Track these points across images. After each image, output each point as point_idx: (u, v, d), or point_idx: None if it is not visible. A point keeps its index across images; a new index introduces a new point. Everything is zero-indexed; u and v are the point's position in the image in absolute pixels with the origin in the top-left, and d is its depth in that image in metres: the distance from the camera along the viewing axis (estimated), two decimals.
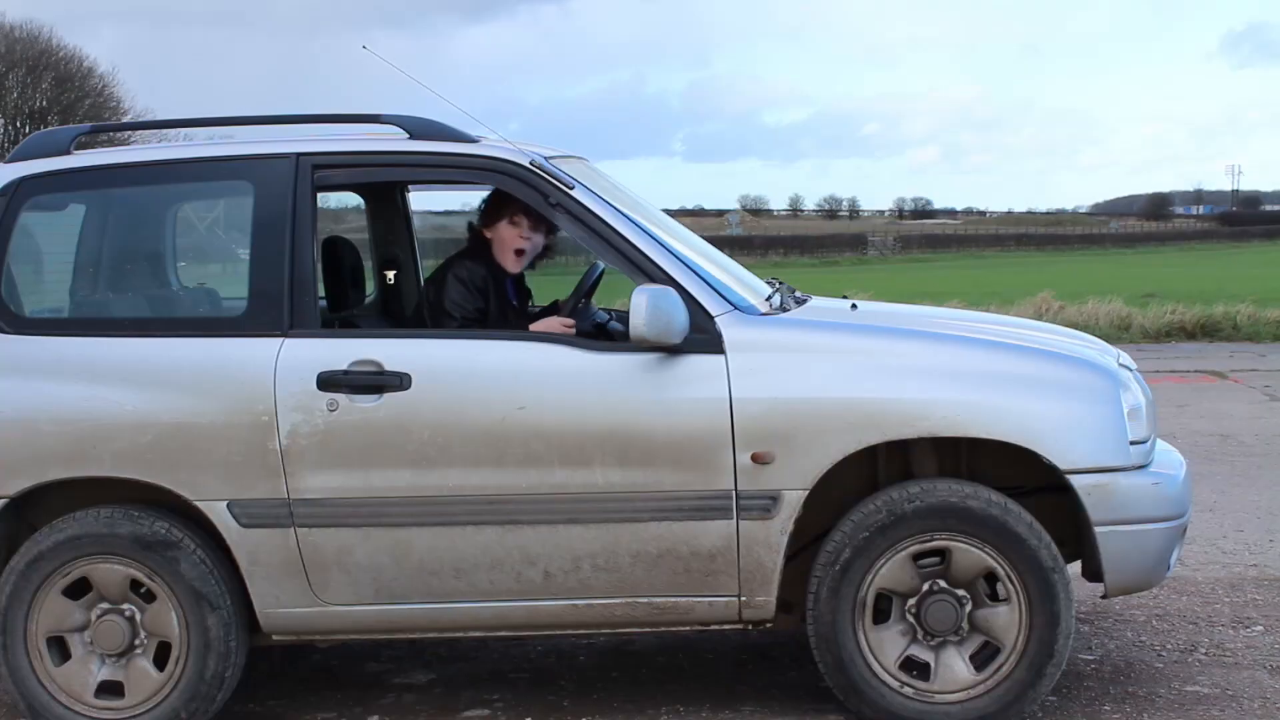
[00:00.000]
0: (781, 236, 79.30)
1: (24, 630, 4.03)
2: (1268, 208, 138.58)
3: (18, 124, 52.20)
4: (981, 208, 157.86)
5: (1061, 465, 3.86)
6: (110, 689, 4.06)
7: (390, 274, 5.08)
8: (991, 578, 3.93)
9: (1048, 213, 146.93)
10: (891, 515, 3.89)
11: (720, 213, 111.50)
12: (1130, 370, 4.25)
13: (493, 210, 4.48)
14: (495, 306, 4.42)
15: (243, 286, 4.11)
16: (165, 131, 6.62)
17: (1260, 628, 4.97)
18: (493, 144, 4.20)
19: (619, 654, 4.92)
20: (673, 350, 3.87)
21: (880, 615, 3.97)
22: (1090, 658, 4.71)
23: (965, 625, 3.94)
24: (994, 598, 3.94)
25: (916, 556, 3.93)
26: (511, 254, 4.51)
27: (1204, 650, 4.73)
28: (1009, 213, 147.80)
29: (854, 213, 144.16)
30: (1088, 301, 19.01)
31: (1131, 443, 3.93)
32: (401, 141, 4.21)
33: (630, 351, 3.90)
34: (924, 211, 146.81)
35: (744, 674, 4.65)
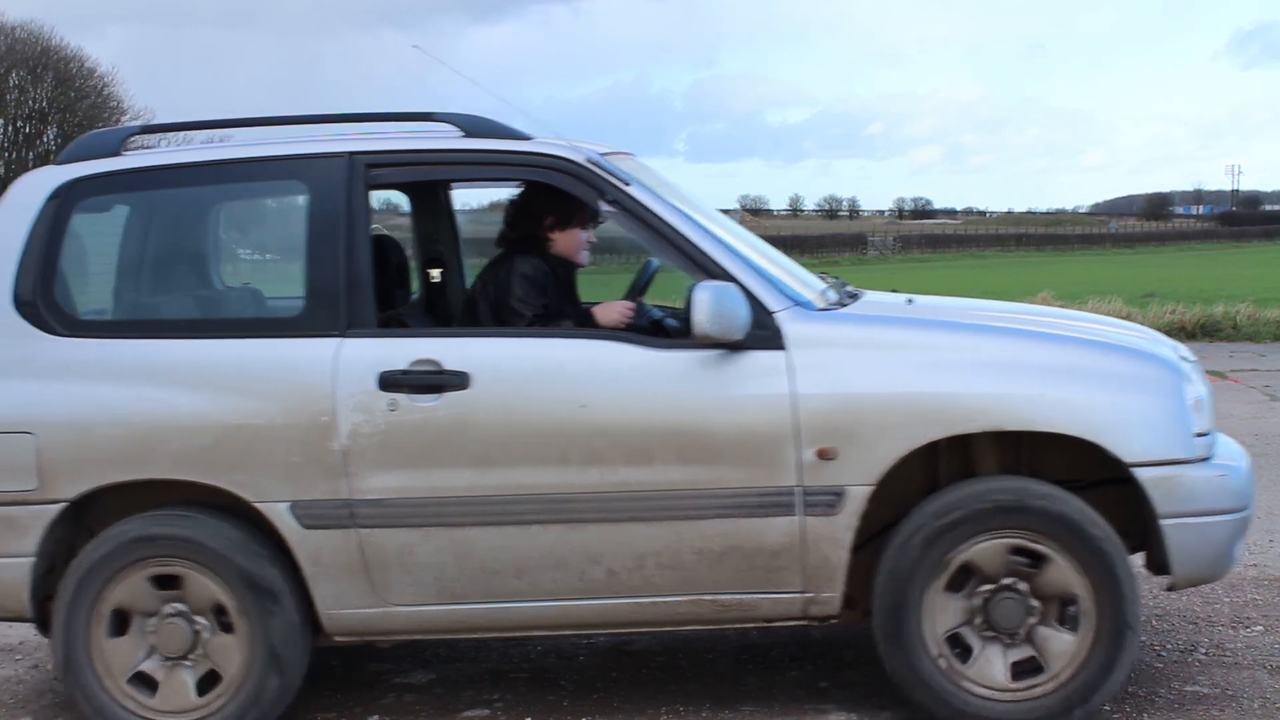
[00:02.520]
0: (781, 236, 79.13)
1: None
2: (1268, 208, 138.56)
3: (18, 124, 52.18)
4: (982, 208, 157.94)
5: (1126, 458, 3.83)
6: (146, 684, 4.04)
7: (436, 272, 5.05)
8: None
9: (1048, 213, 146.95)
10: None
11: (720, 213, 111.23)
12: (1190, 362, 4.22)
13: (563, 210, 4.46)
14: (556, 303, 4.41)
15: (299, 287, 4.09)
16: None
17: (1260, 628, 4.97)
18: (548, 141, 4.18)
19: (619, 654, 4.92)
20: (734, 346, 3.86)
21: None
22: None
23: (1032, 621, 3.90)
24: (1065, 609, 3.89)
25: (988, 555, 3.88)
26: (582, 251, 4.55)
27: (1204, 650, 4.73)
28: (1009, 213, 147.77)
29: (854, 213, 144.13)
30: (1088, 302, 19.00)
31: (1195, 435, 3.91)
32: (456, 139, 4.18)
33: (690, 348, 3.89)
34: (924, 211, 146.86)
35: (744, 674, 4.65)
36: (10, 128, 52.08)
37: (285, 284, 4.58)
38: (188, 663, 4.04)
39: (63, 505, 3.98)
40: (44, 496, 3.97)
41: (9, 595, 4.05)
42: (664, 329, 4.42)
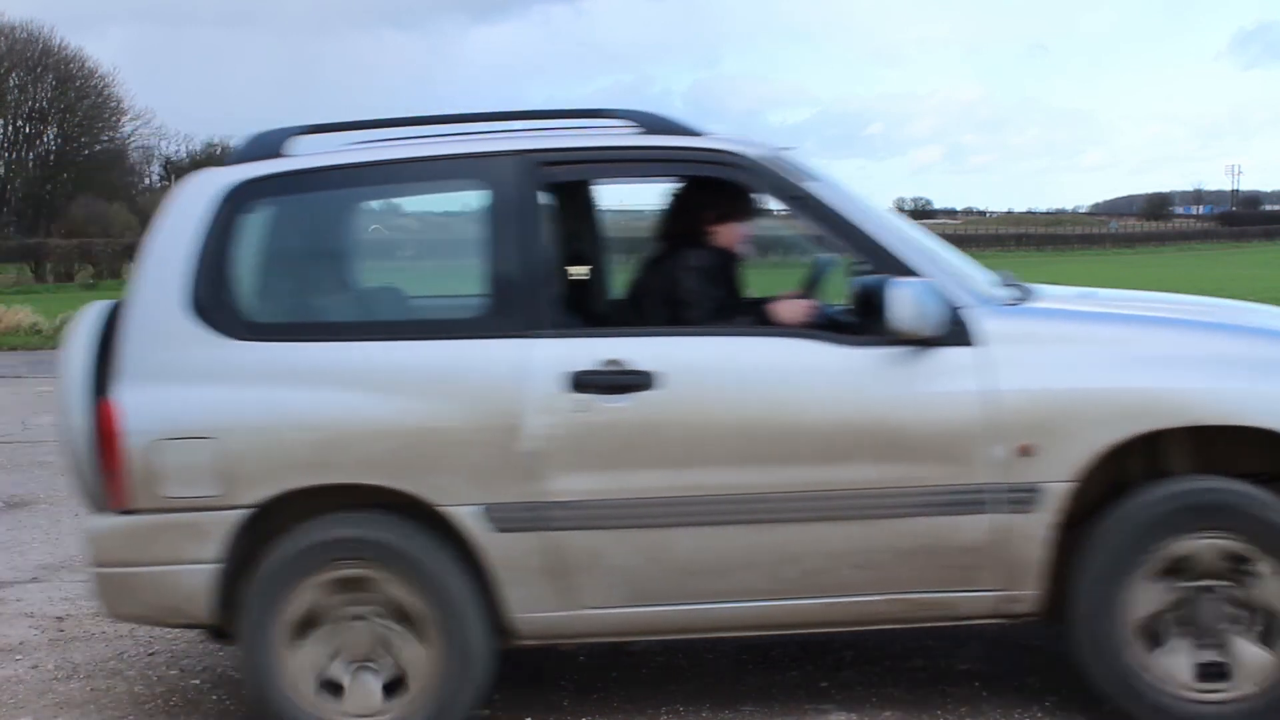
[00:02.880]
0: None
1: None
2: (1268, 208, 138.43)
3: (18, 124, 52.29)
4: (982, 208, 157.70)
5: None
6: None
7: (582, 270, 4.98)
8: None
9: (1048, 213, 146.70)
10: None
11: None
12: None
13: (726, 204, 4.43)
14: (728, 296, 4.39)
15: (480, 286, 4.03)
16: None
17: None
18: (724, 137, 4.15)
19: (619, 654, 4.91)
20: (925, 343, 3.82)
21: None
22: None
23: (1222, 628, 3.82)
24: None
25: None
26: (745, 244, 4.52)
27: None
28: (1009, 213, 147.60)
29: None
30: None
31: None
32: (633, 136, 4.15)
33: (880, 345, 3.85)
34: (924, 211, 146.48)
35: (744, 674, 4.65)
36: (10, 128, 52.17)
37: (457, 284, 4.50)
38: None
39: (247, 511, 3.90)
40: (228, 502, 3.89)
41: (192, 601, 3.96)
42: (840, 325, 4.29)
